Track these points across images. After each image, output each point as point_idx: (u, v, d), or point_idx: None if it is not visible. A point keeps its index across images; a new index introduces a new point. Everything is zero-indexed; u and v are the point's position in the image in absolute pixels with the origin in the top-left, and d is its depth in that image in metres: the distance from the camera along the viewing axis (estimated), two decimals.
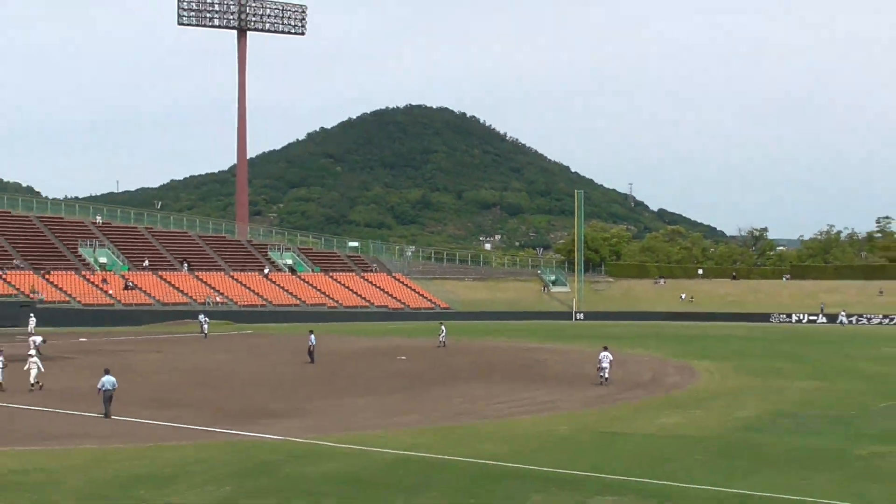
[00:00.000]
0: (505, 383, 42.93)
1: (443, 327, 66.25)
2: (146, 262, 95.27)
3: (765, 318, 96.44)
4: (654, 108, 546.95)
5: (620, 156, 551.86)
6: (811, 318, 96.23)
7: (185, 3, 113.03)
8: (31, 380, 38.07)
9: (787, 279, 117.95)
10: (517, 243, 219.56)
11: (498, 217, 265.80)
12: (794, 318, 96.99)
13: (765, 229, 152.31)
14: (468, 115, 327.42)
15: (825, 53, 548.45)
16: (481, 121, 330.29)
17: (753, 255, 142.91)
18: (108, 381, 31.89)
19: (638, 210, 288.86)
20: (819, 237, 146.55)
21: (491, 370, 48.98)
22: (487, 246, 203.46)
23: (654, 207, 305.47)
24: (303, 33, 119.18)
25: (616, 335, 67.58)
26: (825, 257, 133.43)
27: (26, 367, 38.60)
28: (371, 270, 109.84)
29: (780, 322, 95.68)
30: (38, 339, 54.60)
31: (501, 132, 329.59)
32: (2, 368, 38.16)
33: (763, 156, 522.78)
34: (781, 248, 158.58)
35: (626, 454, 25.64)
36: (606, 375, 41.85)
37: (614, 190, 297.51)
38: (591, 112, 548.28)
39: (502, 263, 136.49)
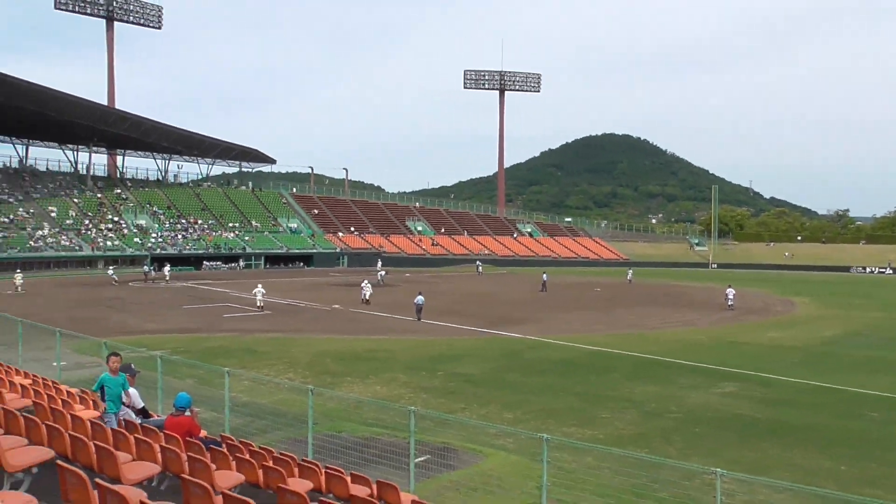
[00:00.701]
0: (662, 307, 41.06)
1: (630, 270, 64.32)
2: (443, 230, 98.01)
3: (846, 269, 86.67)
4: (770, 127, 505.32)
5: (745, 160, 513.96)
6: (881, 270, 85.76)
7: (468, 75, 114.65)
8: (364, 297, 39.49)
9: (863, 243, 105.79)
10: (672, 219, 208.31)
11: (661, 203, 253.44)
12: (868, 270, 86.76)
13: (847, 210, 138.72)
14: (642, 139, 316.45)
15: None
16: (651, 141, 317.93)
17: (838, 228, 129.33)
18: (420, 299, 33.14)
19: (756, 198, 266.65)
20: (888, 215, 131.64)
21: (654, 298, 46.91)
22: (654, 221, 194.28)
23: (767, 196, 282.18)
24: (539, 91, 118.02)
25: (738, 278, 63.07)
26: (892, 229, 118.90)
27: (364, 290, 40.29)
28: (579, 235, 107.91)
29: (857, 273, 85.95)
30: (383, 272, 57.51)
31: (663, 148, 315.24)
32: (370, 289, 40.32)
33: (849, 155, 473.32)
34: (859, 223, 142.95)
35: (744, 356, 24.09)
36: (731, 303, 39.38)
37: (739, 184, 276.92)
38: (725, 133, 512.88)
39: (663, 232, 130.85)
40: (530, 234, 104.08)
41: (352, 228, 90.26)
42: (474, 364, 21.89)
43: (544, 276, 52.48)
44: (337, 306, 37.93)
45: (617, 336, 28.49)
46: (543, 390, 18.45)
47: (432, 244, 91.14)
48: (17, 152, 77.55)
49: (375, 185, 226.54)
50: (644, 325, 32.75)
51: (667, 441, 14.10)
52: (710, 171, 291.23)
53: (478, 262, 75.49)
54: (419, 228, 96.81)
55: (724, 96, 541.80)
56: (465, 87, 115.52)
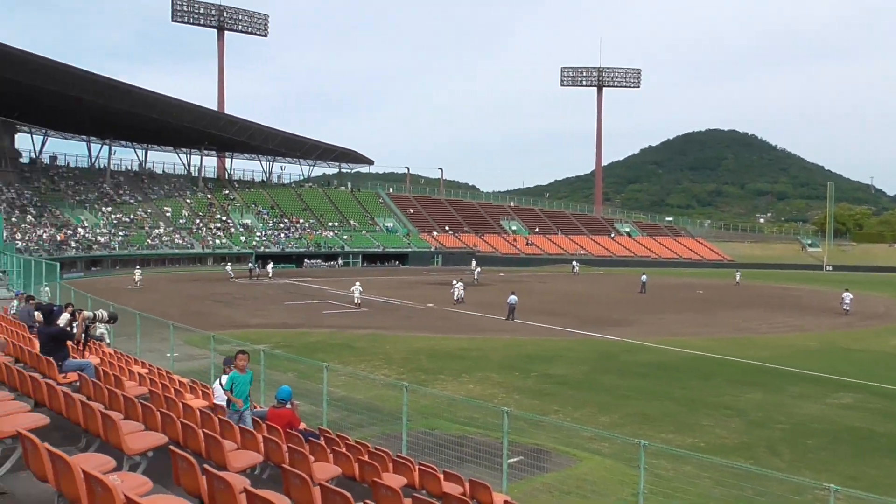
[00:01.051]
0: (769, 310, 38.88)
1: (738, 272, 61.76)
2: (537, 229, 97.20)
3: None
4: (887, 122, 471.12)
5: (865, 155, 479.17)
6: None
7: (565, 73, 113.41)
8: (455, 297, 39.07)
9: None
10: (783, 219, 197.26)
11: (770, 201, 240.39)
12: None
13: None
14: (749, 134, 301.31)
15: None
16: (759, 137, 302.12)
17: None
18: (512, 298, 32.96)
19: (877, 195, 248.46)
20: None
21: (761, 301, 44.50)
22: (762, 220, 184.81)
23: (890, 193, 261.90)
24: (638, 87, 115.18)
25: (857, 281, 59.01)
26: None
27: (453, 290, 39.89)
28: (680, 235, 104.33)
29: None
30: (478, 270, 57.65)
31: (773, 143, 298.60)
32: (462, 289, 40.34)
33: None
34: None
35: (862, 364, 22.53)
36: (847, 308, 36.89)
37: (859, 181, 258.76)
38: (843, 127, 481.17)
39: (772, 232, 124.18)
40: (629, 234, 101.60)
41: (446, 228, 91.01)
42: (568, 365, 21.57)
43: (643, 276, 51.06)
44: (431, 305, 38.27)
45: (720, 340, 27.32)
46: (640, 394, 17.95)
47: (527, 244, 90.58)
48: (138, 156, 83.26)
49: (470, 184, 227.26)
50: (749, 328, 31.24)
51: (774, 453, 13.41)
52: (826, 168, 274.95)
53: (574, 262, 74.41)
54: (513, 228, 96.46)
55: (841, 87, 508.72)
56: (561, 85, 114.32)
